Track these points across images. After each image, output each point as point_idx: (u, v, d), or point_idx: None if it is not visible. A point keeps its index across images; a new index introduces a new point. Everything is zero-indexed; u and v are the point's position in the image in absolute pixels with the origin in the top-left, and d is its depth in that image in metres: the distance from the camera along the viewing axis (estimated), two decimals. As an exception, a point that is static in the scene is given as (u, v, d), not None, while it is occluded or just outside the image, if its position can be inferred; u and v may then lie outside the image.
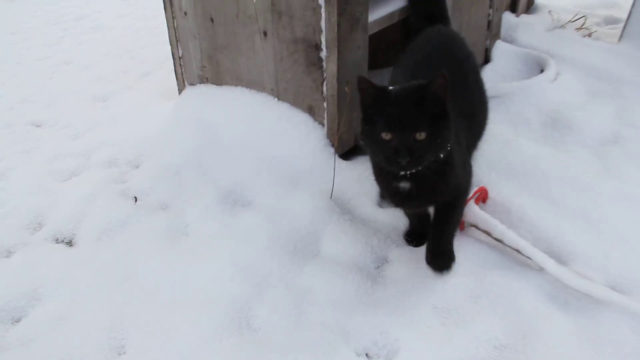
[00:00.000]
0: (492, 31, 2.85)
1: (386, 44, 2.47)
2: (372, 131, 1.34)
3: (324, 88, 2.00)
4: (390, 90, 1.35)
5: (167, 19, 2.41)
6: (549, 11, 3.38)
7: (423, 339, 1.44)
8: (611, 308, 1.47)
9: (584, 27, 3.21)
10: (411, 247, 1.78)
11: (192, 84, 2.48)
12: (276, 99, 2.18)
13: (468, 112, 1.62)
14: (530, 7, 3.63)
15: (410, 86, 1.36)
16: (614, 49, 2.83)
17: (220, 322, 1.50)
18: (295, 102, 2.13)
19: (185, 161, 2.20)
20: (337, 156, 2.06)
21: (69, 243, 1.91)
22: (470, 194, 1.74)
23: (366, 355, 1.44)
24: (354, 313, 1.53)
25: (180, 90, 2.56)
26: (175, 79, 2.57)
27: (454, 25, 2.40)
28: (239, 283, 1.63)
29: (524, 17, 3.27)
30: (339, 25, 1.87)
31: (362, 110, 1.39)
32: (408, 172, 1.38)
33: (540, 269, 1.61)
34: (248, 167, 2.11)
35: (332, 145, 2.08)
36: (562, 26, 3.18)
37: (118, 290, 1.64)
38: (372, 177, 1.60)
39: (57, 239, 1.93)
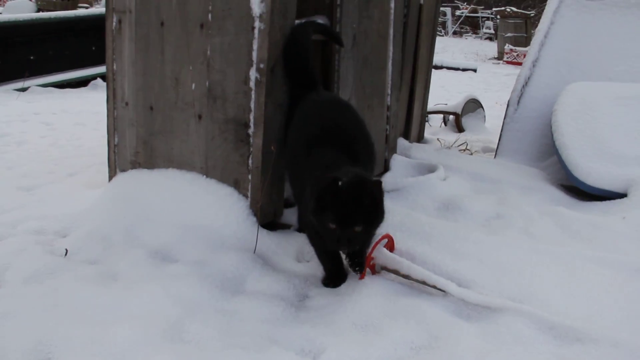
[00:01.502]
0: (390, 145, 3.33)
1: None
2: (322, 218, 1.71)
3: (250, 161, 2.28)
4: (340, 184, 1.67)
5: (107, 110, 2.66)
6: (437, 139, 3.99)
7: (346, 343, 1.58)
8: (507, 313, 1.71)
9: (466, 150, 3.81)
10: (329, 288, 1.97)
11: (123, 171, 2.67)
12: (205, 176, 2.41)
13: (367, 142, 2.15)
14: (420, 140, 4.25)
15: (355, 183, 1.69)
16: (491, 161, 3.39)
17: (153, 334, 1.57)
18: (222, 178, 2.37)
19: (114, 230, 2.31)
20: (260, 226, 2.27)
21: (-7, 288, 1.92)
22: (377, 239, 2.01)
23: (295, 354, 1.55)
24: (281, 327, 1.67)
25: (111, 177, 2.73)
26: (105, 172, 2.75)
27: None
28: (170, 306, 1.72)
29: (416, 144, 3.84)
30: (266, 104, 2.21)
31: (315, 199, 1.72)
32: None
33: (445, 294, 1.85)
34: (175, 234, 2.25)
35: (255, 214, 2.30)
36: (449, 147, 3.75)
37: (47, 315, 1.65)
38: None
39: (-22, 286, 1.93)
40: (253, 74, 2.21)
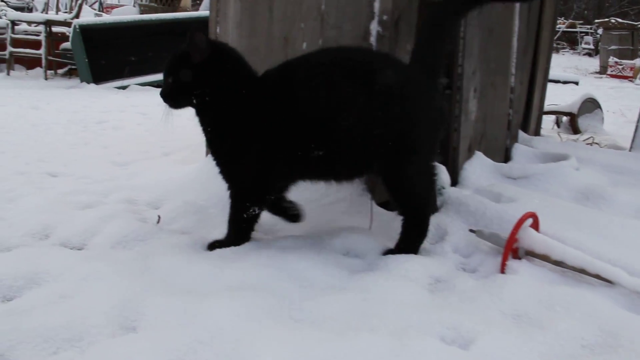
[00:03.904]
0: (512, 132, 2.96)
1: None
2: None
3: (366, 128, 2.01)
4: None
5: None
6: (558, 133, 3.56)
7: (498, 333, 1.26)
8: None
9: (594, 144, 3.36)
10: (469, 271, 1.65)
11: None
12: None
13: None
14: (537, 136, 3.82)
15: None
16: (627, 154, 2.93)
17: (255, 310, 1.29)
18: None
19: (211, 203, 2.12)
20: (375, 204, 2.00)
21: (79, 249, 1.74)
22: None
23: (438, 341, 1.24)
24: (414, 310, 1.34)
25: (208, 152, 2.54)
26: (201, 152, 2.57)
27: (479, 112, 2.53)
28: (277, 280, 1.46)
29: (537, 137, 3.44)
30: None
31: None
32: None
33: (611, 285, 1.48)
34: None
35: (370, 190, 2.03)
36: (574, 141, 3.32)
37: (134, 280, 1.44)
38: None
39: (65, 245, 1.76)
40: (374, 27, 1.94)
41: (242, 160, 1.63)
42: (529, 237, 1.64)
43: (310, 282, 1.47)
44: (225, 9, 2.35)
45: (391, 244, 1.77)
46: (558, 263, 1.59)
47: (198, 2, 13.96)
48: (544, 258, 1.62)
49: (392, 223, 1.92)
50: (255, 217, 1.71)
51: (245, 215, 1.69)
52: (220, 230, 1.83)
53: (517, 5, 2.79)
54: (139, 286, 1.41)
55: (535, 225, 1.74)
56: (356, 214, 1.97)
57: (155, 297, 1.35)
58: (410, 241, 1.70)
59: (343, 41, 2.02)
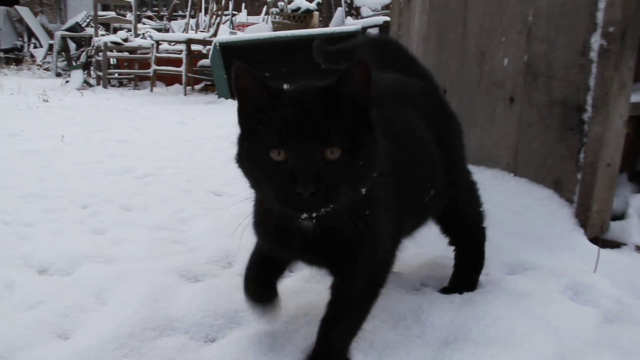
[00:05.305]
0: None
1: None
2: (256, 149, 0.95)
3: (581, 156, 1.75)
4: (286, 89, 0.98)
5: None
6: None
7: None
8: None
9: None
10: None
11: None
12: (512, 174, 1.94)
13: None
14: None
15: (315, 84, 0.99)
16: None
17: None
18: (537, 177, 1.87)
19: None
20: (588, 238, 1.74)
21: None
22: None
23: None
24: None
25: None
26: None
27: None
28: (534, 334, 1.25)
29: None
30: (612, 80, 1.68)
31: (241, 118, 1.01)
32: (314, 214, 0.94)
33: None
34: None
35: (582, 225, 1.76)
36: None
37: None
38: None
39: (254, 279, 1.66)
40: (596, 41, 1.69)
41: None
42: None
43: (558, 337, 1.26)
44: (409, 22, 2.19)
45: (619, 288, 1.51)
46: None
47: (320, 18, 14.14)
48: None
49: (612, 264, 1.66)
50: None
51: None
52: (409, 264, 1.67)
53: None
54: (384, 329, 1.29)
55: None
56: (567, 251, 1.71)
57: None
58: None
59: (555, 56, 1.78)
